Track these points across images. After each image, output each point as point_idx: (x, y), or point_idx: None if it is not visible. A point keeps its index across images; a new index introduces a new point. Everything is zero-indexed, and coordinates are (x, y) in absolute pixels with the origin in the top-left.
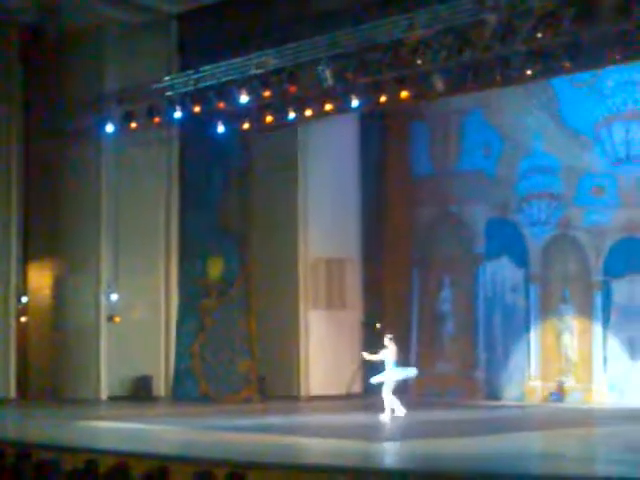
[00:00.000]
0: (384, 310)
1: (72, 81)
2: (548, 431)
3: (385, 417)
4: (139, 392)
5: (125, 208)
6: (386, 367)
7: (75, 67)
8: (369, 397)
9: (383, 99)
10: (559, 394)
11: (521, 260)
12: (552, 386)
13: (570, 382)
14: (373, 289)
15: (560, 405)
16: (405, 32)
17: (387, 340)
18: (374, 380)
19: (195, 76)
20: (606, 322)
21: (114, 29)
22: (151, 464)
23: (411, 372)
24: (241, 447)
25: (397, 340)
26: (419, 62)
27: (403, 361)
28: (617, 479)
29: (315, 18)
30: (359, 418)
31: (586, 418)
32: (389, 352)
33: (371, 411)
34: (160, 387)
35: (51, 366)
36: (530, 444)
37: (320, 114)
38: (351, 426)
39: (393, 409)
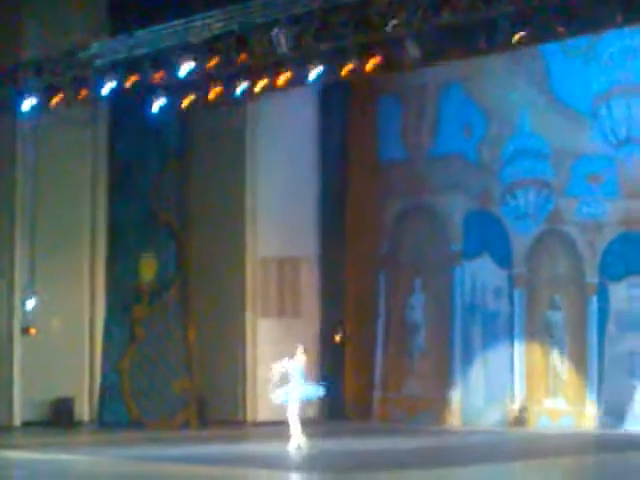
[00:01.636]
0: (345, 318)
1: None
2: (513, 462)
3: (292, 445)
4: (59, 417)
5: (44, 198)
6: (291, 382)
7: None
8: (327, 422)
9: (347, 69)
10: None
11: (504, 260)
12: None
13: (559, 403)
14: (332, 294)
15: (547, 431)
16: None
17: (299, 350)
18: (276, 399)
19: (128, 42)
20: (602, 332)
21: None
22: None
23: (317, 391)
24: None
25: (359, 356)
26: (390, 25)
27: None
28: None
29: None
30: (315, 446)
31: (576, 445)
32: (297, 364)
33: (324, 438)
34: (83, 411)
35: None
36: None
37: (273, 87)
38: (295, 456)
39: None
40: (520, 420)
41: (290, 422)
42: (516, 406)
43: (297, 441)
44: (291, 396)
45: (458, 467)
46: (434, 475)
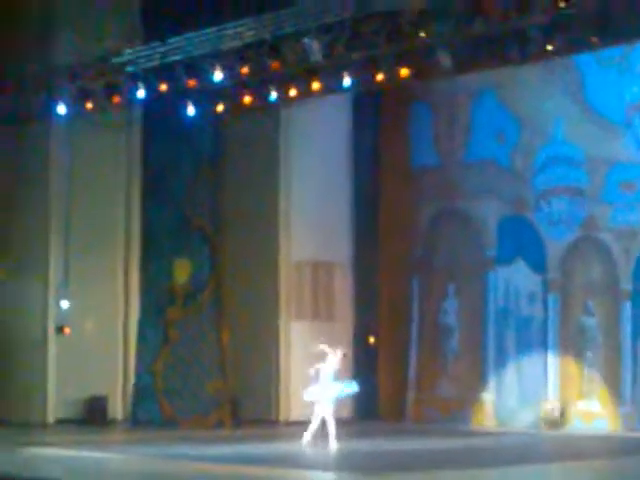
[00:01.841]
0: (379, 322)
1: (16, 54)
2: (547, 464)
3: (331, 443)
4: (92, 415)
5: (79, 202)
6: (322, 381)
7: (20, 37)
8: (360, 422)
9: (379, 77)
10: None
11: (538, 265)
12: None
13: (593, 406)
14: (366, 298)
15: (579, 433)
16: None
17: (338, 351)
18: (308, 397)
19: (161, 49)
20: (636, 338)
21: None
22: None
23: (352, 387)
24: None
25: (393, 358)
26: (422, 34)
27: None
28: None
29: None
30: (347, 446)
31: (609, 448)
32: (330, 364)
33: (357, 438)
34: (117, 409)
35: None
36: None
37: (306, 94)
38: (329, 456)
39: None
40: (557, 422)
41: (317, 421)
42: (553, 408)
43: (304, 437)
44: (325, 394)
45: (491, 468)
46: (467, 476)
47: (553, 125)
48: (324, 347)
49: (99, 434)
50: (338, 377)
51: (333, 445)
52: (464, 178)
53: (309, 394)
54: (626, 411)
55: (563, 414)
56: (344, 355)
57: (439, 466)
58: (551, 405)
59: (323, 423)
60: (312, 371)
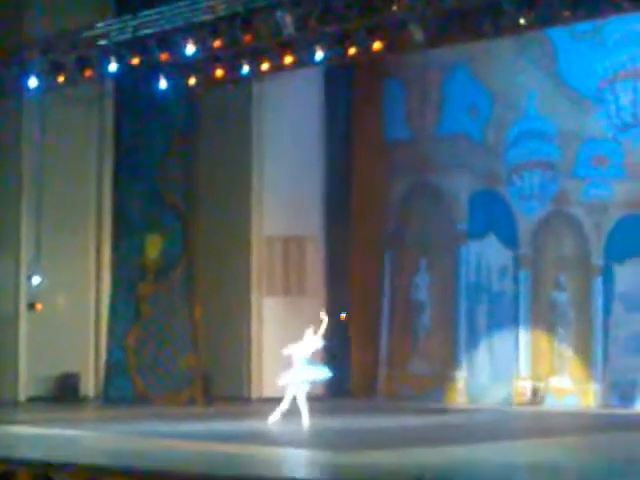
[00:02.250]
0: (350, 297)
1: None
2: (519, 440)
3: (304, 421)
4: (64, 392)
5: (50, 177)
6: (296, 364)
7: None
8: (332, 400)
9: (352, 51)
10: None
11: (510, 240)
12: (545, 388)
13: (564, 382)
14: (338, 273)
15: (551, 410)
16: None
17: (309, 332)
18: (282, 381)
19: (133, 22)
20: (607, 313)
21: None
22: (77, 476)
23: (323, 372)
24: (182, 457)
25: (364, 334)
26: (394, 8)
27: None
28: None
29: None
30: (319, 424)
31: (577, 424)
32: (304, 347)
33: (329, 416)
34: (89, 386)
35: None
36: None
37: (278, 68)
38: (300, 433)
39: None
40: (529, 399)
41: (288, 401)
42: (525, 385)
43: (274, 415)
44: (297, 379)
45: (463, 445)
46: (440, 453)
47: (525, 99)
48: (309, 330)
49: (71, 412)
50: (312, 360)
51: (306, 423)
52: (436, 152)
53: (282, 378)
54: (597, 387)
55: (534, 391)
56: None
57: (412, 444)
58: (522, 382)
59: (294, 402)
60: (285, 351)
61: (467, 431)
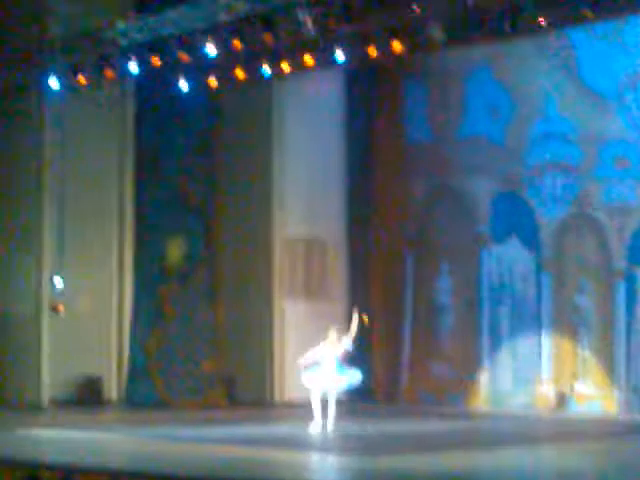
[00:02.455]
0: (372, 301)
1: (8, 28)
2: (544, 446)
3: (329, 426)
4: (87, 395)
5: (71, 177)
6: (325, 367)
7: (12, 11)
8: (354, 404)
9: (372, 52)
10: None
11: (532, 243)
12: (568, 393)
13: (587, 387)
14: (359, 276)
15: (574, 415)
16: None
17: (333, 333)
18: (307, 382)
19: (153, 22)
20: (630, 317)
21: None
22: (101, 479)
23: (355, 377)
24: (205, 461)
25: (386, 338)
26: (415, 7)
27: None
28: None
29: None
30: (343, 428)
31: (600, 430)
32: (331, 348)
33: (353, 420)
34: (111, 390)
35: None
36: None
37: (299, 68)
38: (325, 438)
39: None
40: (552, 404)
41: (319, 404)
42: (548, 390)
43: (313, 423)
44: (328, 383)
45: (488, 450)
46: (464, 458)
47: (546, 101)
48: (333, 331)
49: (94, 415)
50: (341, 362)
51: (330, 427)
52: (458, 154)
53: (309, 380)
54: (620, 393)
55: (558, 396)
56: (362, 317)
57: (437, 448)
58: (545, 387)
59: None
60: (304, 360)
61: (491, 436)
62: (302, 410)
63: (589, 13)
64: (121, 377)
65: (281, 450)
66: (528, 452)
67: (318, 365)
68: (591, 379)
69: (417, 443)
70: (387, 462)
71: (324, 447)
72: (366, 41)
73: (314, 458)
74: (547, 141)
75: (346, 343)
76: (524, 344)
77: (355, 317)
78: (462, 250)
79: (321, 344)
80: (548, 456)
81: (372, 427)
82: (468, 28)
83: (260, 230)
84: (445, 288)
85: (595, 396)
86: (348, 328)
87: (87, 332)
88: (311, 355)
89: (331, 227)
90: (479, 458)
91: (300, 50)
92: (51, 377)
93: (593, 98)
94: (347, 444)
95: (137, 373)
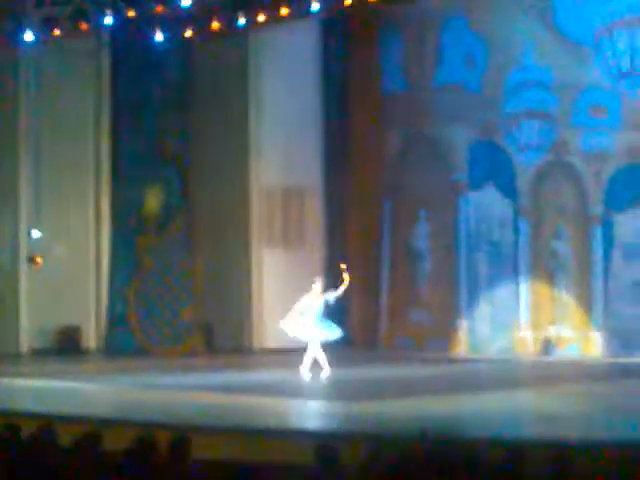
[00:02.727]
0: (350, 248)
1: None
2: (525, 389)
3: (324, 373)
4: (65, 344)
5: (47, 129)
6: (308, 318)
7: None
8: (333, 350)
9: (348, 2)
10: (548, 346)
11: (509, 190)
12: (546, 337)
13: (565, 331)
14: (337, 224)
15: (553, 359)
16: None
17: (317, 284)
18: (288, 329)
19: None
20: (607, 262)
21: None
22: (82, 428)
23: (335, 333)
24: (185, 408)
25: (364, 284)
26: None
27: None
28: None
29: None
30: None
31: (580, 373)
32: (315, 300)
33: (332, 367)
34: (90, 338)
35: None
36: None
37: (275, 19)
38: (307, 384)
39: (320, 364)
40: (546, 350)
41: (314, 354)
42: (526, 334)
43: (325, 370)
44: (309, 335)
45: (468, 394)
46: (446, 401)
47: (523, 49)
48: (317, 283)
49: (73, 364)
50: (322, 315)
51: (306, 374)
52: (433, 103)
53: (291, 327)
54: (598, 335)
55: (543, 341)
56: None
57: (417, 393)
58: (524, 332)
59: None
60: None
61: (473, 381)
62: (280, 357)
63: None
64: (100, 326)
65: (262, 396)
66: (510, 396)
67: (302, 315)
68: (569, 323)
69: (400, 388)
70: (370, 407)
71: (306, 393)
72: None
73: (296, 404)
74: (523, 89)
75: (330, 297)
76: (502, 290)
77: (344, 275)
78: (439, 197)
79: (305, 296)
80: (530, 399)
81: (354, 373)
82: None
83: (237, 180)
84: (422, 235)
85: (574, 339)
86: (330, 280)
87: (65, 282)
88: (296, 309)
89: (308, 176)
90: (462, 402)
91: (275, 1)
92: (30, 327)
93: (569, 46)
94: (327, 390)
95: (116, 322)
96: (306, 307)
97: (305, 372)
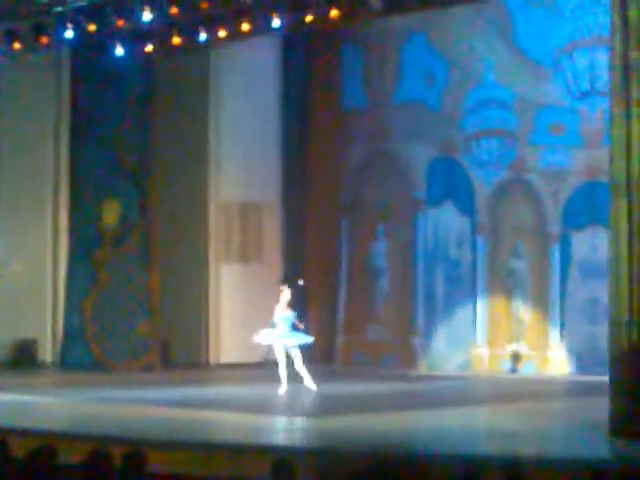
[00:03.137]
0: (307, 264)
1: None
2: (482, 406)
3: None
4: (22, 357)
5: (6, 143)
6: (279, 327)
7: None
8: (290, 366)
9: (309, 18)
10: (513, 365)
11: (467, 207)
12: (503, 355)
13: (522, 349)
14: (295, 239)
15: (510, 376)
16: None
17: (285, 293)
18: (260, 339)
19: None
20: (564, 280)
21: None
22: (36, 442)
23: (307, 338)
24: (141, 423)
25: (322, 300)
26: None
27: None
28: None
29: None
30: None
31: (536, 390)
32: (284, 309)
33: (291, 382)
34: (46, 352)
35: None
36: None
37: (236, 35)
38: (265, 399)
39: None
40: (486, 366)
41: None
42: (482, 352)
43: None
44: (282, 341)
45: (427, 411)
46: (404, 417)
47: (482, 67)
48: (287, 293)
49: (28, 377)
50: (294, 323)
51: (312, 388)
52: (393, 120)
53: (262, 337)
54: (554, 354)
55: (515, 356)
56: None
57: (377, 409)
58: (480, 349)
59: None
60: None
61: (429, 397)
62: (236, 372)
63: None
64: (56, 339)
65: (219, 411)
66: (467, 413)
67: (273, 325)
68: (527, 341)
69: (357, 404)
70: (328, 422)
71: (262, 408)
72: (303, 8)
73: (253, 419)
74: (483, 107)
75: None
76: (459, 307)
77: (284, 290)
78: (398, 213)
79: (275, 307)
80: (486, 416)
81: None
82: None
83: (195, 194)
84: (380, 251)
85: (531, 357)
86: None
87: (22, 295)
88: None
89: (267, 191)
90: (419, 418)
91: (236, 16)
92: None
93: (529, 65)
94: (286, 405)
95: (72, 336)
96: (279, 319)
97: (310, 384)
